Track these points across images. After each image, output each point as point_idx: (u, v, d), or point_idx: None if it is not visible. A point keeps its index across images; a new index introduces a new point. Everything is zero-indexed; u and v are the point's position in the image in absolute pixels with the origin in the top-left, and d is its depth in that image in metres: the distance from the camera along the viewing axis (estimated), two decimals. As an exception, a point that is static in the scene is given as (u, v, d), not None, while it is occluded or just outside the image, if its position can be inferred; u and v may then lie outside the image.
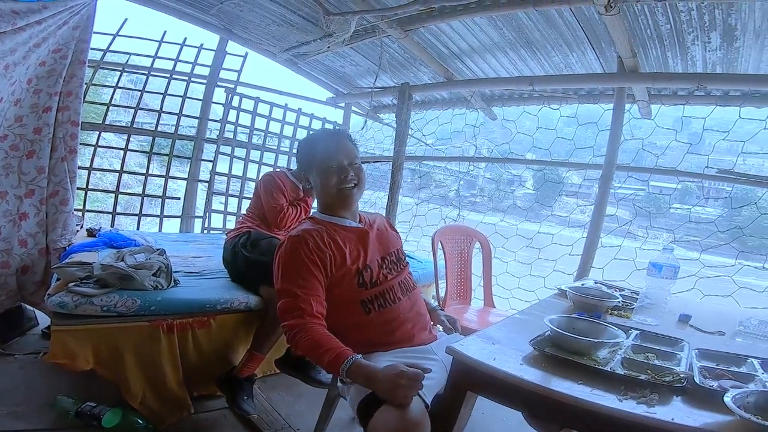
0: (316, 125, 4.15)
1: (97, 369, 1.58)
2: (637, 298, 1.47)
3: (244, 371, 1.75)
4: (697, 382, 0.89)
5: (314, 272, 1.23)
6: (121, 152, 3.36)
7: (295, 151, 3.75)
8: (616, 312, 1.44)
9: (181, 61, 3.44)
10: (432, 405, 1.07)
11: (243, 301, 1.85)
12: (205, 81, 3.56)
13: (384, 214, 2.98)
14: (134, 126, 3.37)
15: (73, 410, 1.53)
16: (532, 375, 0.92)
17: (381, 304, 1.31)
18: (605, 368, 0.93)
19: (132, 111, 3.36)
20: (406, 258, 1.53)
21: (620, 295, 1.57)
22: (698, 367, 0.96)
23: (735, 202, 2.66)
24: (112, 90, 3.26)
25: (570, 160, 3.11)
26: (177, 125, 3.49)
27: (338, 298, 1.30)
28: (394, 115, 3.60)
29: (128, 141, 3.38)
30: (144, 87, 3.37)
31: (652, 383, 0.89)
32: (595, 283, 1.87)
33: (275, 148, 3.95)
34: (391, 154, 3.50)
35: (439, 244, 2.30)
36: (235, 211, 3.72)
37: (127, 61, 3.31)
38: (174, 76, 3.44)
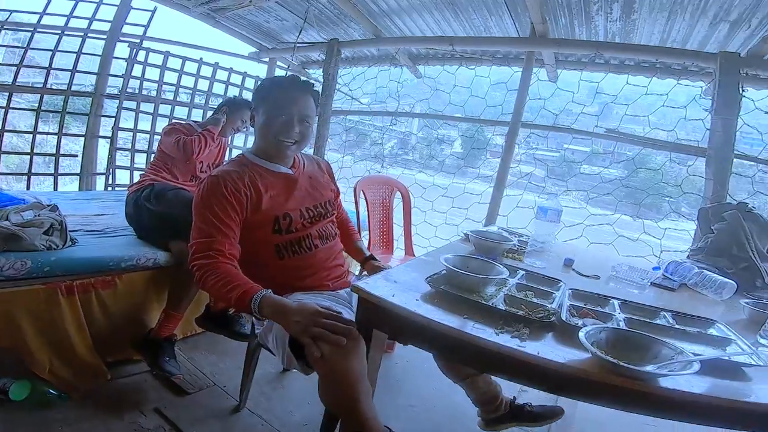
0: (236, 80, 3.96)
1: None
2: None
3: (162, 332, 1.70)
4: (564, 319, 0.96)
5: (230, 213, 1.21)
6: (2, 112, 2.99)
7: (213, 105, 3.58)
8: (511, 255, 1.55)
9: (75, 17, 3.14)
10: None
11: (150, 257, 1.77)
12: (104, 37, 3.31)
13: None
14: (17, 84, 3.01)
15: None
16: (424, 310, 0.95)
17: (295, 251, 1.33)
18: (488, 303, 1.00)
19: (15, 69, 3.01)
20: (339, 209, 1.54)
21: (518, 240, 1.69)
22: (567, 306, 1.04)
23: (633, 164, 2.98)
24: None
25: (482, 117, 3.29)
26: (71, 82, 3.22)
27: (253, 241, 1.30)
28: (322, 70, 3.54)
29: (9, 99, 3.00)
30: (28, 44, 3.03)
31: (526, 319, 0.95)
32: (499, 229, 1.98)
33: (187, 101, 3.75)
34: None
35: (362, 193, 2.33)
36: (143, 167, 3.52)
37: (8, 18, 2.94)
38: (67, 32, 3.14)
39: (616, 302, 1.15)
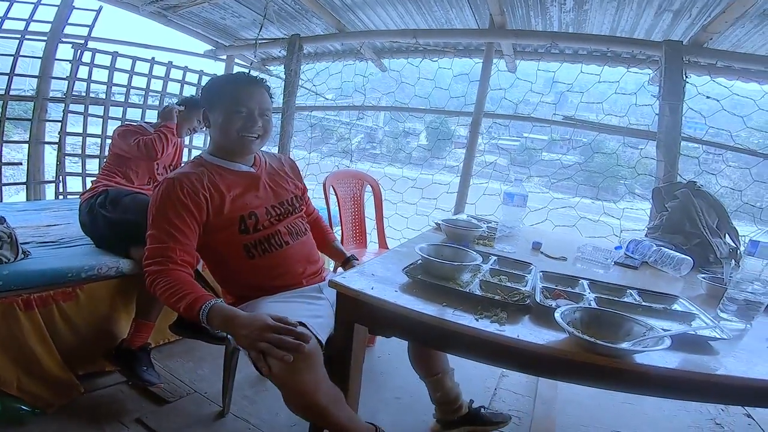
0: (192, 78, 3.84)
1: None
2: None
3: (135, 341, 1.63)
4: (538, 300, 0.98)
5: (186, 218, 1.17)
6: None
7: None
8: (481, 241, 1.58)
9: (10, 18, 2.96)
10: (326, 348, 1.09)
11: (112, 266, 1.69)
12: (45, 38, 3.13)
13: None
14: None
15: None
16: (404, 300, 0.96)
17: (265, 249, 1.30)
18: (465, 290, 1.02)
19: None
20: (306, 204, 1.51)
21: (487, 226, 1.73)
22: (540, 288, 1.07)
23: (590, 149, 3.12)
24: None
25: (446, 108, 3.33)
26: (8, 86, 3.03)
27: (220, 243, 1.27)
28: (283, 66, 3.48)
29: None
30: None
31: (503, 303, 0.96)
32: (468, 216, 2.01)
33: (140, 103, 3.61)
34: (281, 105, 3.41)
35: (332, 189, 2.31)
36: (97, 172, 3.32)
37: None
38: (1, 35, 2.97)
39: (585, 282, 1.18)
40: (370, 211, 2.57)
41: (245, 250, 1.28)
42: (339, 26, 3.34)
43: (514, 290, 1.06)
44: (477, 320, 0.90)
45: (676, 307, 1.10)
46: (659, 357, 0.80)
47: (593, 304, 1.01)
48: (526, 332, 0.86)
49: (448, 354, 1.48)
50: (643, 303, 1.09)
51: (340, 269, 1.59)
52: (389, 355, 2.11)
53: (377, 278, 1.09)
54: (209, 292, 1.44)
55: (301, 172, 1.57)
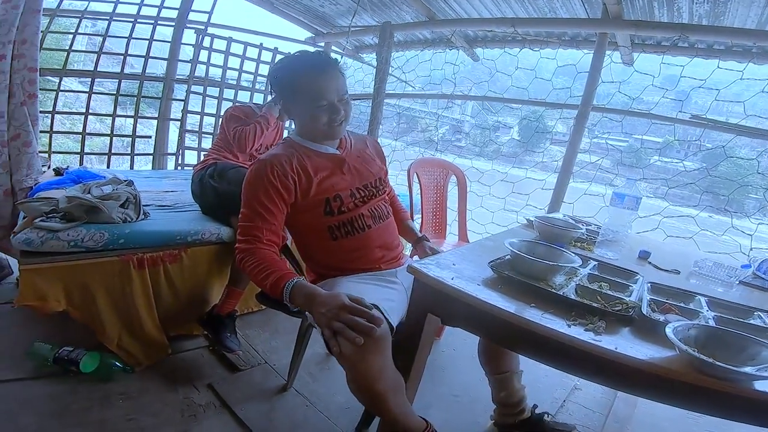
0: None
1: (71, 311, 1.54)
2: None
3: (225, 308, 1.76)
4: (644, 313, 0.89)
5: (275, 199, 1.21)
6: (86, 96, 3.31)
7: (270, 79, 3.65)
8: (579, 244, 1.45)
9: (146, 5, 3.34)
10: (395, 333, 1.08)
11: (214, 232, 1.83)
12: (173, 23, 3.49)
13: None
14: (98, 70, 3.27)
15: (51, 356, 1.51)
16: (486, 295, 0.91)
17: (348, 231, 1.31)
18: (558, 292, 0.94)
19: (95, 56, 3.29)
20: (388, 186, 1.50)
21: (586, 228, 1.59)
22: (647, 300, 0.97)
23: (713, 157, 2.69)
24: (71, 37, 3.19)
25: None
26: (144, 67, 3.45)
27: (305, 223, 1.31)
28: (375, 54, 3.51)
29: (92, 84, 3.27)
30: (106, 32, 3.29)
31: (601, 311, 0.89)
32: (565, 216, 1.87)
33: (249, 86, 3.90)
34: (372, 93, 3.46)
35: (415, 176, 2.28)
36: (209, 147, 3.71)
37: (87, 7, 3.17)
38: (139, 20, 3.35)
39: (702, 299, 1.05)
40: (452, 202, 2.49)
41: (329, 231, 1.30)
42: (429, 14, 3.26)
43: (616, 299, 0.96)
44: (569, 326, 0.83)
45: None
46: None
47: (712, 323, 0.89)
48: (625, 345, 0.79)
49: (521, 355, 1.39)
50: (775, 327, 0.93)
51: (416, 257, 1.56)
52: (454, 351, 2.04)
53: (458, 269, 1.05)
54: (295, 267, 1.51)
55: (385, 155, 1.55)
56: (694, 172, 2.76)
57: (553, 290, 0.96)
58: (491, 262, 1.06)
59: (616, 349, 0.77)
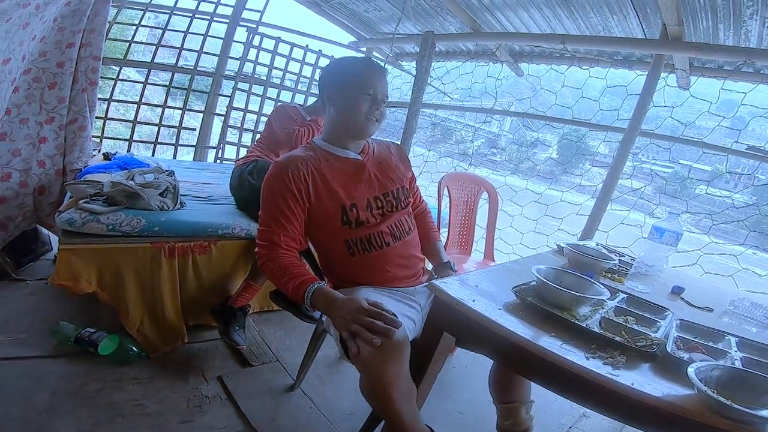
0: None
1: (99, 293, 1.59)
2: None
3: (239, 301, 1.78)
4: (668, 350, 0.86)
5: (290, 203, 1.21)
6: (141, 86, 3.51)
7: (317, 78, 3.71)
8: (610, 275, 1.40)
9: (205, 0, 3.52)
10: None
11: (245, 228, 1.87)
12: (227, 20, 3.63)
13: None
14: (155, 62, 3.46)
15: (73, 336, 1.54)
16: (506, 321, 0.89)
17: (365, 248, 1.28)
18: (581, 323, 0.91)
19: (154, 48, 3.49)
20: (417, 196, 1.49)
21: (619, 259, 1.53)
22: (674, 337, 0.93)
23: (766, 192, 2.52)
24: (134, 28, 3.39)
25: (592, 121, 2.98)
26: (197, 62, 3.61)
27: (323, 233, 1.30)
28: (415, 62, 3.52)
29: (148, 75, 3.46)
30: (166, 25, 3.47)
31: (623, 345, 0.86)
32: (597, 245, 1.81)
33: (292, 87, 4.00)
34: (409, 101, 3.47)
35: (446, 189, 2.25)
36: (249, 144, 3.81)
37: (151, 0, 3.33)
38: (197, 16, 3.53)
39: (732, 339, 1.01)
40: (481, 219, 2.44)
41: (347, 246, 1.28)
42: (474, 26, 3.22)
43: (641, 334, 0.93)
44: (587, 359, 0.81)
45: None
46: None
47: (738, 364, 0.85)
48: (642, 381, 0.77)
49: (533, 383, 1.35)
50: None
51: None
52: (465, 367, 2.01)
53: (481, 291, 1.03)
54: (315, 271, 1.52)
55: (410, 161, 1.52)
56: (744, 207, 2.60)
57: (576, 321, 0.93)
58: (515, 287, 1.04)
59: (632, 384, 0.74)
